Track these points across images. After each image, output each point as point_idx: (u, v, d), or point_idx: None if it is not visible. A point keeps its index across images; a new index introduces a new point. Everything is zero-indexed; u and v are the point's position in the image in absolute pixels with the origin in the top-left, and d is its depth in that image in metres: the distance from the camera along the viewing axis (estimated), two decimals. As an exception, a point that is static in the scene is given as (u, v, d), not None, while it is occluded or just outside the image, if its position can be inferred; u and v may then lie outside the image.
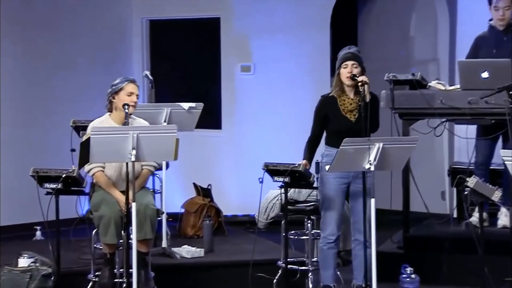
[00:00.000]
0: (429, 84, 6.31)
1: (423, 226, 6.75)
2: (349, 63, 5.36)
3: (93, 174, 5.59)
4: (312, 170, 5.56)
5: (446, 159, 8.26)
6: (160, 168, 5.85)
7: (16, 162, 7.69)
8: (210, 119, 8.13)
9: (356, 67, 5.36)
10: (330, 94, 5.45)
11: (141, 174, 5.66)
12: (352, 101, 5.40)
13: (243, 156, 8.29)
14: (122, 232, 5.37)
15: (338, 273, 5.76)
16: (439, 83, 6.30)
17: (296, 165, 5.39)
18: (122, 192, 5.51)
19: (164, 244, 6.57)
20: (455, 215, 6.92)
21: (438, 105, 6.13)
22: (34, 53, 8.04)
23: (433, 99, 6.14)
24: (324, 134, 5.53)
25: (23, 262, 5.66)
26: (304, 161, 5.41)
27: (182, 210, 7.56)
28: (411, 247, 6.26)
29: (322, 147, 5.54)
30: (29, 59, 8.01)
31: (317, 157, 5.54)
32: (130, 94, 5.59)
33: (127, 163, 5.18)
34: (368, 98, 5.25)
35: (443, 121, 6.34)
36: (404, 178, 6.29)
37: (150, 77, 6.80)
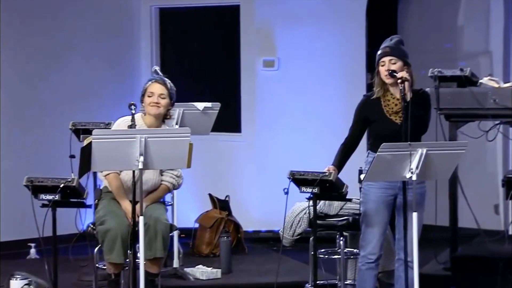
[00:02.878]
0: (480, 81, 6.29)
1: (474, 244, 6.73)
2: (386, 59, 5.33)
3: (106, 175, 5.63)
4: (352, 178, 5.53)
5: (500, 167, 8.23)
6: (177, 188, 5.84)
7: (8, 169, 7.74)
8: (228, 121, 8.15)
9: (394, 63, 5.32)
10: (373, 96, 5.43)
11: (159, 189, 5.70)
12: (397, 102, 5.37)
13: (265, 163, 8.31)
14: (129, 250, 5.39)
15: (376, 297, 5.77)
16: (491, 80, 6.28)
17: (327, 173, 5.38)
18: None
19: (175, 263, 6.61)
20: (510, 232, 6.89)
21: (491, 105, 6.11)
22: (30, 45, 8.08)
23: (484, 98, 6.13)
24: (368, 137, 5.51)
25: (16, 284, 5.70)
26: (331, 167, 5.38)
27: (196, 225, 7.59)
28: (460, 268, 6.25)
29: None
30: (25, 52, 8.05)
31: (361, 163, 5.50)
32: (151, 94, 5.68)
33: (133, 171, 5.21)
34: (408, 97, 5.24)
35: (497, 124, 6.33)
36: (451, 189, 6.28)
37: (160, 73, 6.82)
